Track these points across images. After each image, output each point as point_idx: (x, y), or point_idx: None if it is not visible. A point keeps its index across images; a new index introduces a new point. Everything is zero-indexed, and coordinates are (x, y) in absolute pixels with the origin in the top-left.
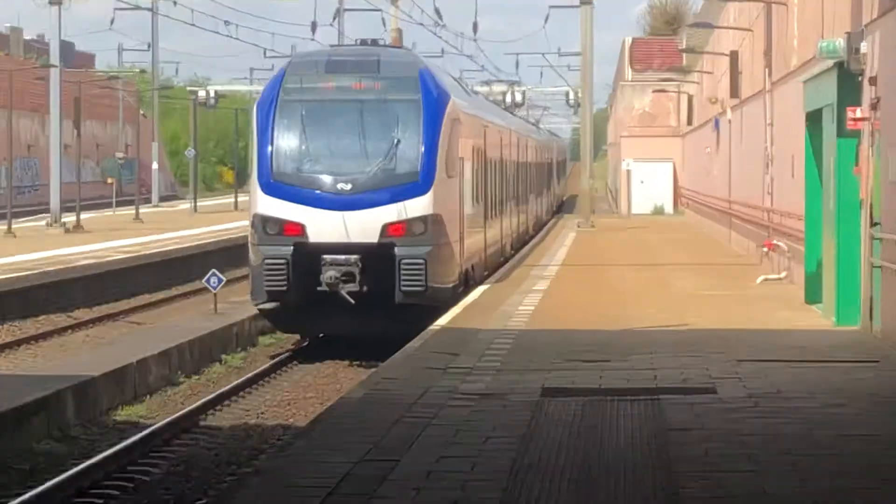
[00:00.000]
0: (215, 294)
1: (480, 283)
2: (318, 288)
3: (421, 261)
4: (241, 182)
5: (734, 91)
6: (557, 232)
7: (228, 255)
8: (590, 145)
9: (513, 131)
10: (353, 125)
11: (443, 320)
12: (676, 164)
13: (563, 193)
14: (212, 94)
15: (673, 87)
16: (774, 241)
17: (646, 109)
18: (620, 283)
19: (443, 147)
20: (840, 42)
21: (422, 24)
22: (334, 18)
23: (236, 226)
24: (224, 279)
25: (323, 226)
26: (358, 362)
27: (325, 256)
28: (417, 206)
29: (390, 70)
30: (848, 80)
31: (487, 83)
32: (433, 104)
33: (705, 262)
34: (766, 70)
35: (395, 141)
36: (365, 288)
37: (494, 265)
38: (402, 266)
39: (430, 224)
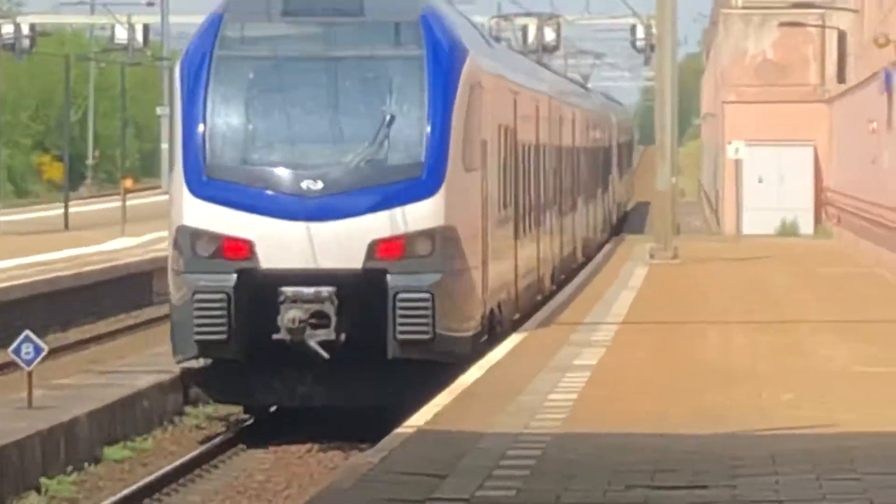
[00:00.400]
0: (30, 374)
1: (511, 329)
2: (275, 336)
3: (426, 295)
4: (75, 181)
5: None
6: (616, 265)
7: (54, 304)
8: (671, 118)
9: (553, 99)
10: (324, 93)
11: (420, 418)
12: (820, 149)
13: (626, 198)
14: (25, 30)
15: (813, 18)
16: None
17: (767, 56)
18: (723, 354)
19: (458, 126)
20: None
21: None
22: None
23: (68, 256)
24: (45, 348)
25: (281, 244)
26: (330, 446)
27: (284, 289)
28: (421, 214)
29: (380, 11)
30: None
31: (504, 18)
32: (444, 62)
33: (867, 319)
34: None
35: (388, 117)
36: (343, 336)
37: (528, 305)
38: (399, 303)
39: (441, 241)
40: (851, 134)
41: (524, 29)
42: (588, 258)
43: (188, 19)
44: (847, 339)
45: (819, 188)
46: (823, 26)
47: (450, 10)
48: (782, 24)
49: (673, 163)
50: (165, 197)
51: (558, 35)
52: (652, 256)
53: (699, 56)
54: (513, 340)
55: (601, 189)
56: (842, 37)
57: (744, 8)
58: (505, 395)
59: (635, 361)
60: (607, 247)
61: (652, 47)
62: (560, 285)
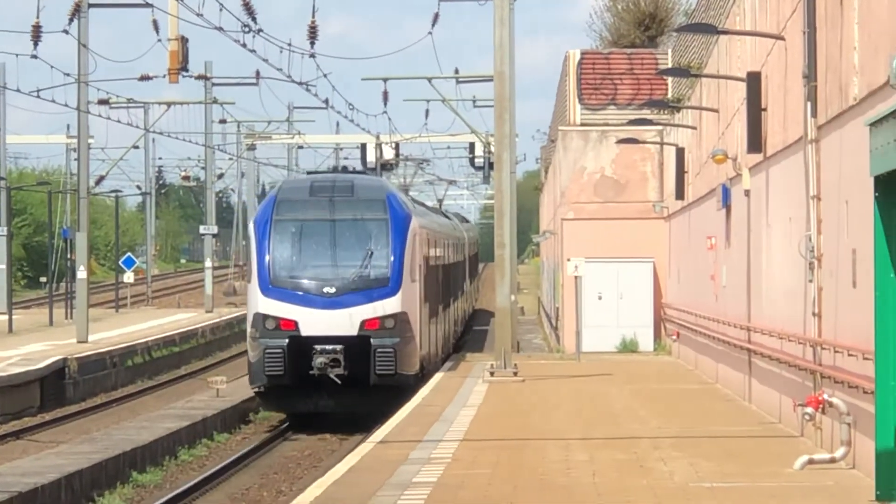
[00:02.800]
0: None
1: (433, 372)
2: (310, 372)
3: (392, 350)
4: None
5: (755, 141)
6: (456, 383)
7: None
8: (510, 235)
9: (439, 233)
10: (333, 240)
11: None
12: (659, 265)
13: (475, 299)
14: None
15: (652, 134)
16: (825, 396)
17: (606, 173)
18: (563, 471)
19: (407, 258)
20: None
21: (220, 29)
22: (70, 21)
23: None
24: None
25: (313, 322)
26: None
27: (315, 346)
28: (388, 305)
29: (363, 193)
30: None
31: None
32: (399, 222)
33: (708, 434)
34: (809, 105)
35: (370, 252)
36: (347, 372)
37: (441, 357)
38: (377, 354)
39: (399, 320)
40: (690, 250)
41: (362, 147)
42: (461, 335)
43: (22, 139)
44: (686, 454)
45: (658, 304)
46: (662, 143)
47: (399, 191)
48: (620, 141)
49: (512, 280)
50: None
51: (396, 150)
52: (492, 374)
53: (538, 173)
54: (353, 456)
55: (462, 290)
56: (680, 153)
57: (582, 125)
58: None
59: (475, 478)
60: (448, 364)
61: (491, 165)
62: (456, 347)
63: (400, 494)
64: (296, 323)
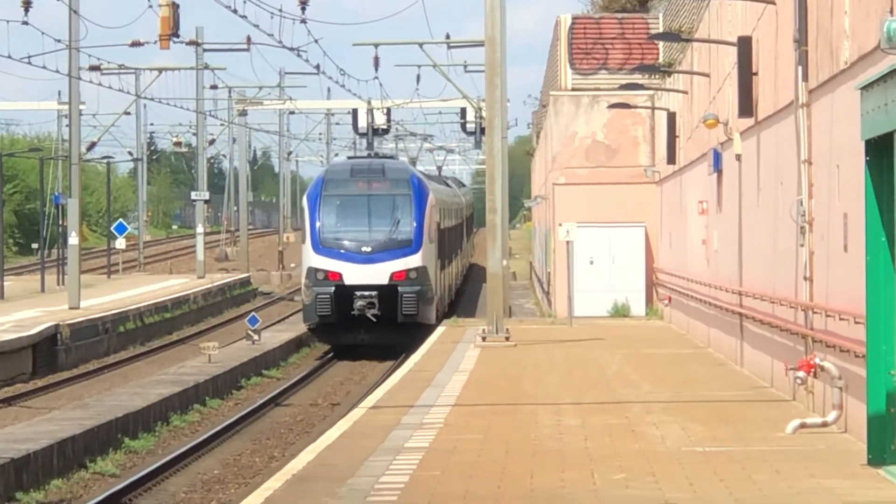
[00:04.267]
0: None
1: (445, 310)
2: (351, 312)
3: (414, 295)
4: None
5: (746, 106)
6: (448, 348)
7: None
8: (502, 201)
9: (445, 202)
10: (369, 210)
11: (250, 502)
12: (651, 230)
13: (471, 254)
14: None
15: (643, 99)
16: (816, 360)
17: (597, 138)
18: (555, 435)
19: (426, 223)
20: None
21: None
22: None
23: None
24: None
25: (354, 273)
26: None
27: (356, 293)
28: (412, 261)
29: (392, 173)
30: None
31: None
32: (420, 197)
33: (700, 399)
34: (800, 69)
35: (398, 220)
36: (380, 312)
37: (448, 299)
38: (403, 298)
39: (420, 273)
40: (682, 214)
41: (354, 113)
42: (463, 277)
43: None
44: (678, 418)
45: (650, 269)
46: (653, 108)
47: (418, 172)
48: (612, 106)
49: (504, 245)
50: None
51: (388, 117)
52: (484, 339)
53: (529, 138)
54: (346, 422)
55: (461, 248)
56: (671, 118)
57: (573, 90)
58: (336, 479)
59: (467, 443)
60: (440, 328)
61: (482, 130)
62: (459, 291)
63: (392, 459)
64: (340, 274)
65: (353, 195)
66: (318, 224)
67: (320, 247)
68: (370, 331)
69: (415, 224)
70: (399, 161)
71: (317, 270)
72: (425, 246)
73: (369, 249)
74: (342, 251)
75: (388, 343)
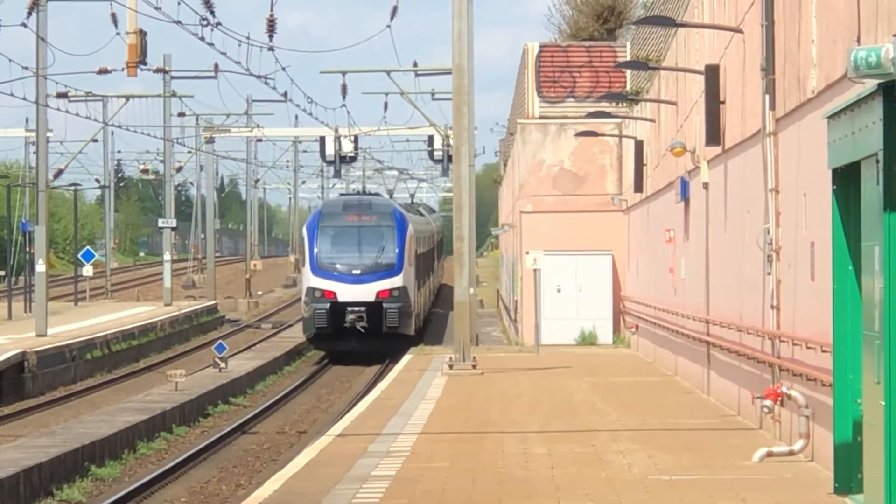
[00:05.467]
0: None
1: (421, 323)
2: (344, 325)
3: (397, 310)
4: None
5: (713, 134)
6: (415, 376)
7: None
8: (469, 229)
9: (421, 230)
10: (358, 240)
11: None
12: (618, 258)
13: (441, 276)
14: None
15: (610, 127)
16: (783, 389)
17: (564, 166)
18: (522, 464)
19: (406, 250)
20: (889, 49)
21: (178, 22)
22: (29, 14)
23: None
24: None
25: (346, 292)
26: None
27: (348, 308)
28: (395, 282)
29: (378, 208)
30: None
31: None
32: (401, 227)
33: (667, 427)
34: (767, 98)
35: (383, 247)
36: (367, 324)
37: (424, 313)
38: (387, 313)
39: (401, 291)
40: (649, 242)
41: (321, 140)
42: (435, 295)
43: None
44: (645, 447)
45: (617, 297)
46: (620, 136)
47: (399, 206)
48: (579, 134)
49: (471, 273)
50: None
51: (355, 144)
52: (451, 367)
53: (497, 166)
54: (312, 450)
55: (433, 269)
56: (639, 146)
57: (541, 118)
58: None
59: (434, 472)
60: (406, 357)
61: (450, 158)
62: (432, 306)
63: (358, 488)
64: (335, 293)
65: (345, 226)
66: (315, 250)
67: (318, 269)
68: (359, 340)
69: (397, 251)
70: (384, 198)
71: (314, 289)
72: (406, 269)
73: (359, 272)
74: (336, 273)
75: (374, 351)
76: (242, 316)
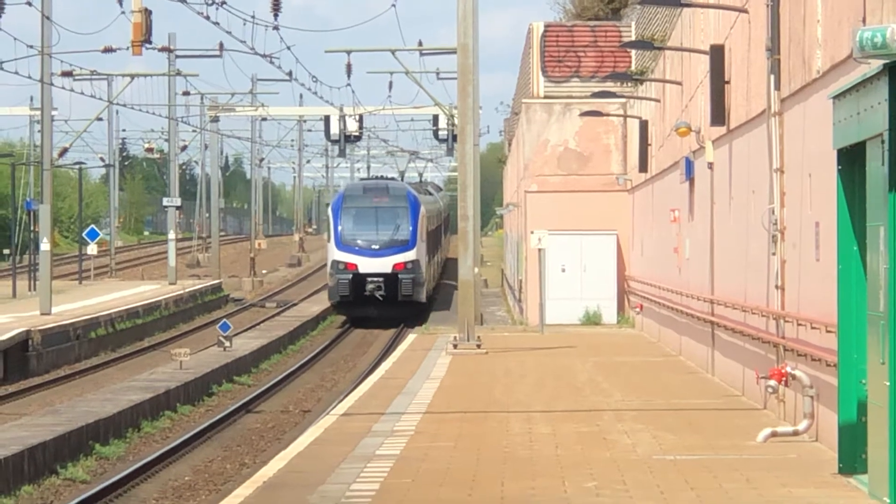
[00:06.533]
0: None
1: (431, 292)
2: (364, 293)
3: (410, 281)
4: None
5: (718, 114)
6: (419, 355)
7: None
8: (473, 208)
9: (430, 209)
10: (377, 218)
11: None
12: (622, 238)
13: (448, 249)
14: None
15: (615, 107)
16: (788, 369)
17: (569, 146)
18: (526, 443)
19: (418, 227)
20: (894, 29)
21: (183, 1)
22: None
23: None
24: None
25: (366, 264)
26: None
27: (368, 279)
28: (408, 256)
29: (394, 191)
30: None
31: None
32: (414, 208)
33: (671, 407)
34: (772, 78)
35: (398, 225)
36: (385, 293)
37: (435, 282)
38: (402, 283)
39: (414, 264)
40: (653, 222)
41: (326, 120)
42: (442, 267)
43: None
44: (649, 426)
45: (622, 277)
46: (625, 116)
47: (412, 188)
48: (584, 114)
49: (476, 253)
50: None
51: (360, 123)
52: (455, 346)
53: (502, 145)
54: (316, 429)
55: (441, 244)
56: (643, 126)
57: (545, 98)
58: (307, 486)
59: (438, 451)
60: (411, 336)
61: (454, 137)
62: (441, 276)
63: (363, 467)
64: (356, 265)
65: (365, 207)
66: (339, 228)
67: (341, 244)
68: (378, 306)
69: (410, 228)
70: (399, 182)
71: (338, 262)
72: (418, 245)
73: (377, 247)
74: (357, 248)
75: (390, 316)
76: (247, 295)
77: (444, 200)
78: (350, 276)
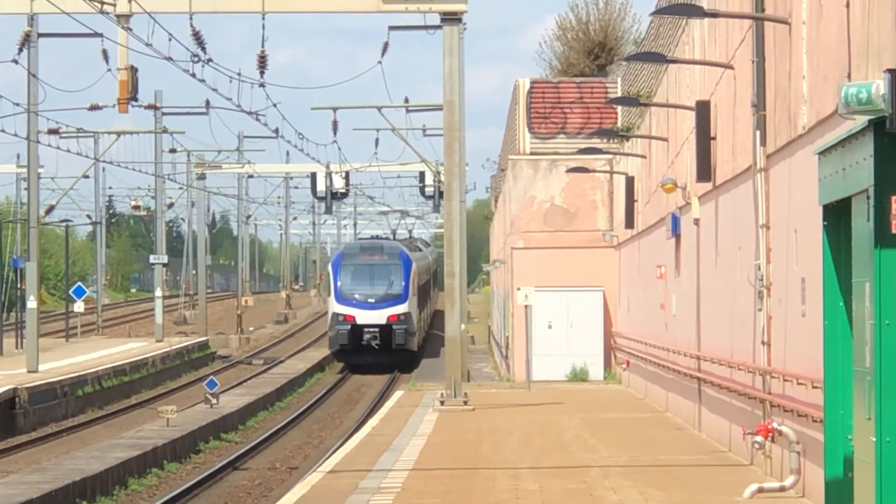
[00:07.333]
0: None
1: (422, 341)
2: (361, 342)
3: (403, 331)
4: None
5: (704, 170)
6: (406, 412)
7: None
8: (460, 265)
9: (421, 264)
10: (372, 275)
11: None
12: (609, 294)
13: (434, 307)
14: None
15: (601, 163)
16: (774, 425)
17: (556, 202)
18: (513, 500)
19: (410, 282)
20: (879, 85)
21: (169, 59)
22: (20, 51)
23: None
24: None
25: (363, 316)
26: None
27: (364, 329)
28: (401, 308)
29: (388, 250)
30: (893, 150)
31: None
32: (406, 265)
33: (658, 463)
34: (758, 134)
35: (392, 281)
36: (380, 342)
37: (425, 332)
38: (395, 333)
39: (406, 316)
40: (640, 279)
41: (312, 176)
42: (431, 318)
43: None
44: (636, 483)
45: (608, 333)
46: (611, 172)
47: (404, 243)
48: (570, 170)
49: (462, 309)
50: None
51: (346, 180)
52: (442, 403)
53: (488, 202)
54: (303, 486)
55: (430, 297)
56: (630, 182)
57: (532, 154)
58: None
59: None
60: (398, 393)
61: (441, 194)
62: (430, 326)
63: None
64: (354, 317)
65: (362, 264)
66: (339, 283)
67: (340, 298)
68: (373, 354)
69: (403, 284)
70: (392, 241)
71: (338, 314)
72: (410, 298)
73: (373, 300)
74: (355, 301)
75: (385, 363)
76: (234, 352)
77: (433, 255)
78: (349, 326)
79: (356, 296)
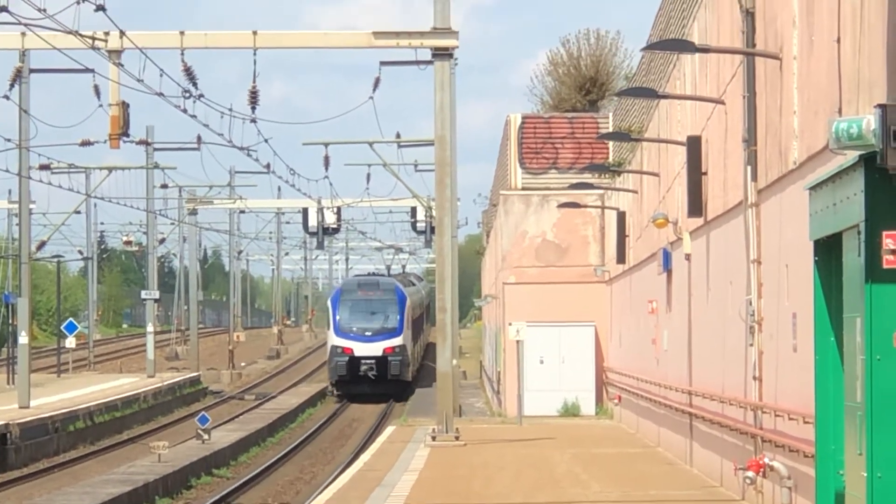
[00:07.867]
0: None
1: (416, 372)
2: (358, 373)
3: (398, 363)
4: None
5: (696, 205)
6: (398, 448)
7: None
8: (451, 300)
9: (414, 299)
10: (369, 309)
11: None
12: (601, 329)
13: (427, 339)
14: None
15: (593, 198)
16: (766, 460)
17: (547, 237)
18: None
19: (405, 316)
20: (870, 120)
21: (161, 94)
22: (11, 86)
23: None
24: None
25: (360, 348)
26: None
27: (361, 361)
28: (396, 341)
29: (384, 286)
30: (884, 185)
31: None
32: (401, 300)
33: (649, 498)
34: (749, 169)
35: (387, 315)
36: (376, 373)
37: (419, 363)
38: (391, 364)
39: (401, 348)
40: (631, 314)
41: (304, 212)
42: (424, 349)
43: None
44: None
45: (600, 368)
46: (603, 207)
47: (398, 278)
48: (562, 206)
49: (454, 344)
50: None
51: (338, 215)
52: (434, 438)
53: (480, 237)
54: None
55: (423, 329)
56: (621, 217)
57: (523, 189)
58: None
59: None
60: (389, 428)
61: (432, 229)
62: (423, 357)
63: None
64: (352, 349)
65: (359, 299)
66: (337, 317)
67: (339, 332)
68: (370, 384)
69: (398, 318)
70: (388, 277)
71: (337, 347)
72: (405, 331)
73: (370, 333)
74: (352, 334)
75: (381, 392)
76: (225, 387)
77: (426, 289)
78: (347, 358)
79: (354, 329)
